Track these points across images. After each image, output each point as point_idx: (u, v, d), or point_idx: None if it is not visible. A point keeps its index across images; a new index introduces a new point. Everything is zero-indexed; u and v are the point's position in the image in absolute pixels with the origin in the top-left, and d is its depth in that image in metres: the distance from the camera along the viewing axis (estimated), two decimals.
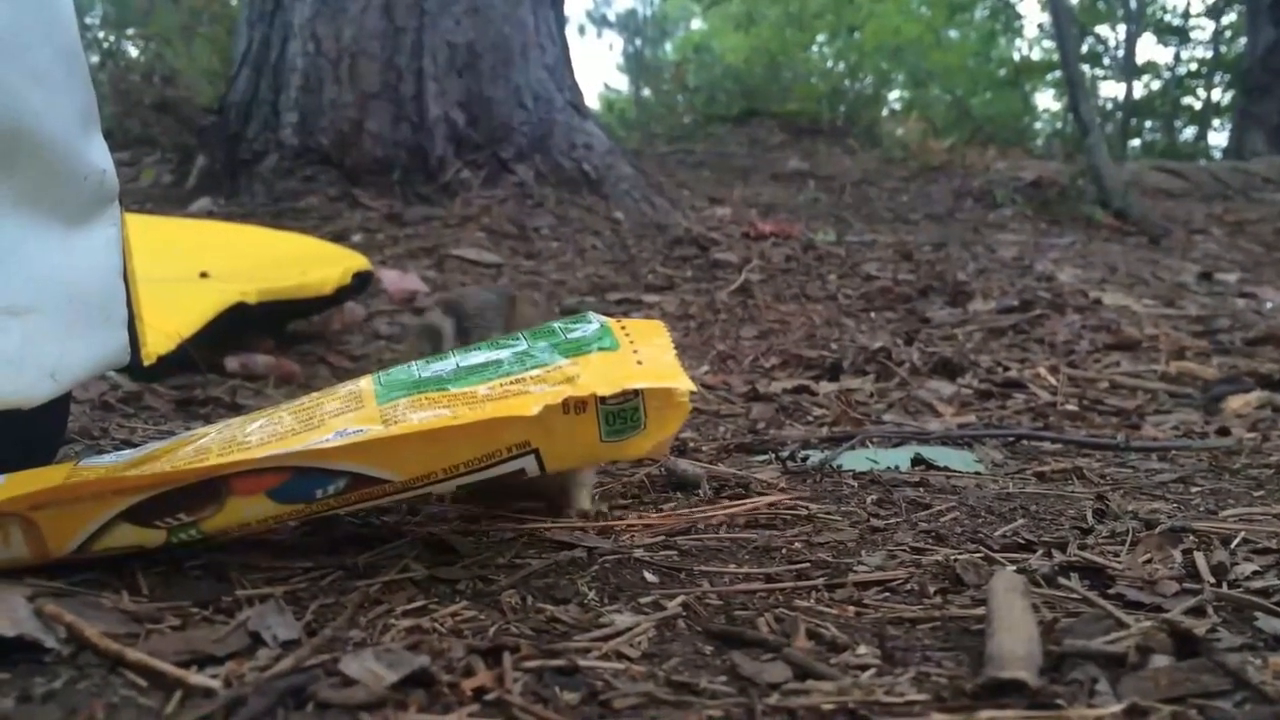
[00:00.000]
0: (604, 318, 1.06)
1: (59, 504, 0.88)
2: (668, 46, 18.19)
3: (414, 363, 1.03)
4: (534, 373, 0.97)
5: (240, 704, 0.66)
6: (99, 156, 1.10)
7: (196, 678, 0.70)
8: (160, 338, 2.07)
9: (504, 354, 1.01)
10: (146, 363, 1.89)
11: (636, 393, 0.96)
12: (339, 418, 0.93)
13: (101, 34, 7.78)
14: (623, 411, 0.97)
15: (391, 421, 0.92)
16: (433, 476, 0.95)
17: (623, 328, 1.04)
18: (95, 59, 6.69)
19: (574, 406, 0.94)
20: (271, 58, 4.72)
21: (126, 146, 5.11)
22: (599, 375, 0.96)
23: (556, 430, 0.95)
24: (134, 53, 7.60)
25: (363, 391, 0.98)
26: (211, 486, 0.90)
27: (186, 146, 4.92)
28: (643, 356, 1.00)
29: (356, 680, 0.71)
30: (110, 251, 1.13)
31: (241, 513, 0.92)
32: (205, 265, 2.60)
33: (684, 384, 0.97)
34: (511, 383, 0.96)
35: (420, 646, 0.78)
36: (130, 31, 7.86)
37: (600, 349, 1.00)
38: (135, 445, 1.51)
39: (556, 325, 1.06)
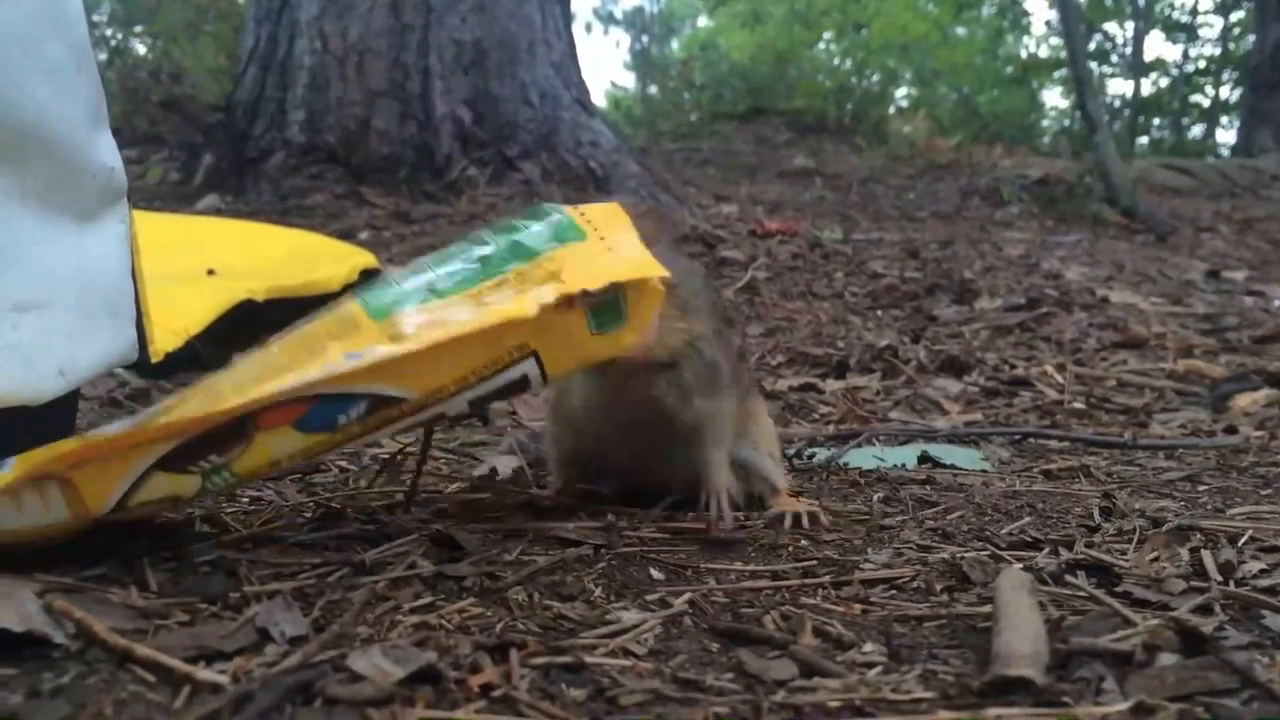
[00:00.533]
0: (562, 208, 1.07)
1: (94, 461, 0.88)
2: (674, 44, 18.18)
3: (390, 278, 1.03)
4: (514, 270, 0.99)
5: (248, 699, 0.67)
6: (108, 154, 1.10)
7: (204, 673, 0.71)
8: (168, 335, 2.07)
9: (477, 255, 1.01)
10: (154, 360, 1.89)
11: (618, 285, 0.99)
12: (339, 341, 0.94)
13: (109, 31, 7.80)
14: (606, 304, 1.00)
15: (399, 337, 0.93)
16: (444, 391, 0.96)
17: (583, 214, 1.05)
18: (103, 57, 6.71)
19: (562, 304, 0.97)
20: (278, 55, 4.73)
21: (134, 144, 5.12)
22: (579, 269, 0.99)
23: (551, 329, 0.97)
24: (141, 50, 7.62)
25: (353, 314, 0.97)
26: (238, 424, 0.91)
27: (193, 144, 4.93)
28: (610, 243, 1.03)
29: (364, 676, 0.71)
30: (119, 248, 1.13)
31: (269, 448, 0.93)
32: (212, 263, 2.61)
33: (659, 272, 1.01)
34: (496, 284, 0.98)
35: (427, 643, 0.78)
36: (138, 29, 7.88)
37: (570, 240, 1.02)
38: None
39: (517, 222, 1.06)
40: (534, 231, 1.03)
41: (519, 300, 0.96)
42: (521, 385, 1.00)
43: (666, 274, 1.02)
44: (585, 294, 0.97)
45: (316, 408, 0.93)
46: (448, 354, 0.94)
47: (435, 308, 0.96)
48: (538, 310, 0.95)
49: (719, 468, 1.19)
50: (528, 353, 0.98)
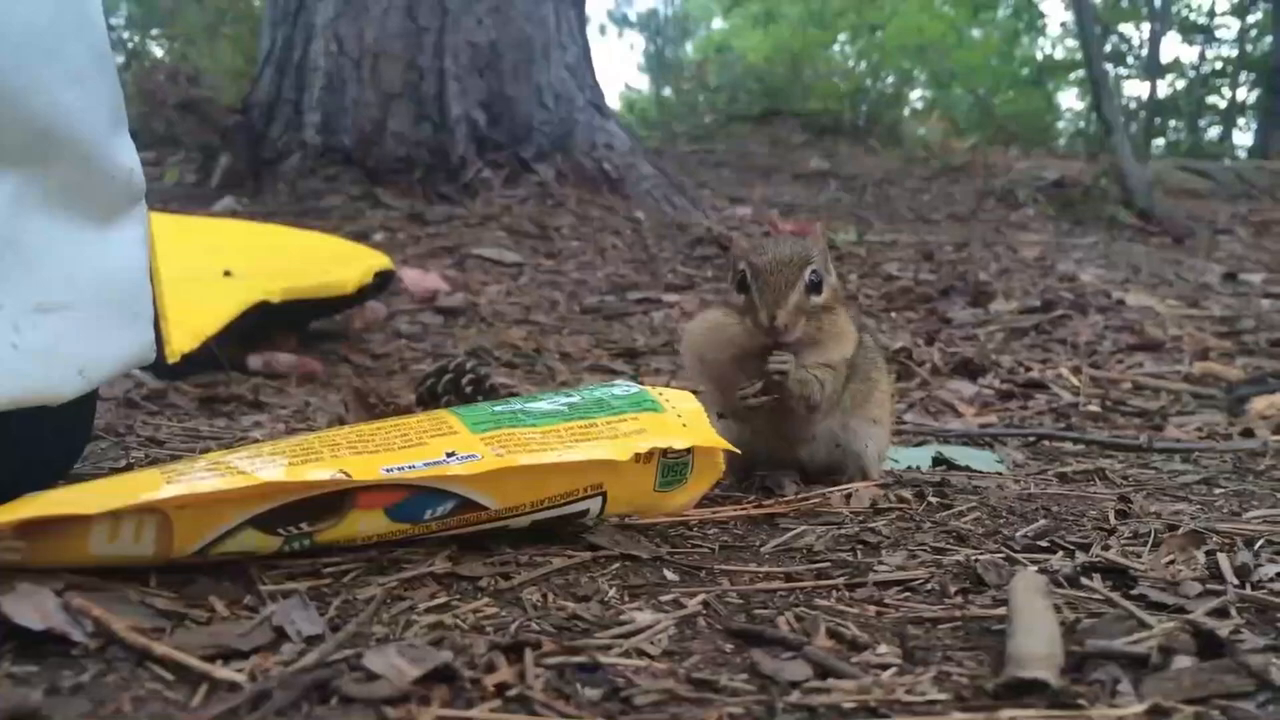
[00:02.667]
0: (637, 383, 1.21)
1: (200, 505, 0.89)
2: (689, 46, 18.18)
3: (479, 404, 1.14)
4: (604, 419, 1.10)
5: (265, 698, 0.67)
6: (127, 155, 1.11)
7: (222, 671, 0.71)
8: (185, 336, 2.09)
9: (564, 401, 1.13)
10: (171, 360, 1.92)
11: (690, 450, 1.12)
12: (437, 439, 1.01)
13: (127, 34, 7.84)
14: (677, 465, 1.12)
15: (501, 450, 1.01)
16: (521, 508, 1.03)
17: (660, 393, 1.17)
18: (121, 59, 6.74)
19: (644, 456, 1.08)
20: (295, 58, 4.75)
21: (151, 146, 5.15)
22: (660, 430, 1.11)
23: (624, 475, 1.07)
24: (159, 53, 7.67)
25: (448, 420, 1.05)
26: (339, 498, 0.94)
27: (210, 146, 4.96)
28: (685, 418, 1.14)
29: (380, 675, 0.71)
30: (137, 250, 1.14)
31: (357, 527, 0.97)
32: (229, 264, 2.62)
33: (725, 445, 1.15)
34: (587, 426, 1.08)
35: (443, 642, 0.78)
36: (155, 32, 7.93)
37: (650, 409, 1.13)
38: (161, 443, 1.52)
39: (597, 387, 1.19)
40: (616, 394, 1.16)
41: (614, 444, 1.06)
42: (579, 515, 1.08)
43: (736, 450, 1.16)
44: (667, 451, 1.09)
45: (411, 499, 0.98)
46: (539, 476, 1.02)
47: (530, 434, 1.05)
48: (630, 457, 1.06)
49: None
50: (599, 491, 1.07)
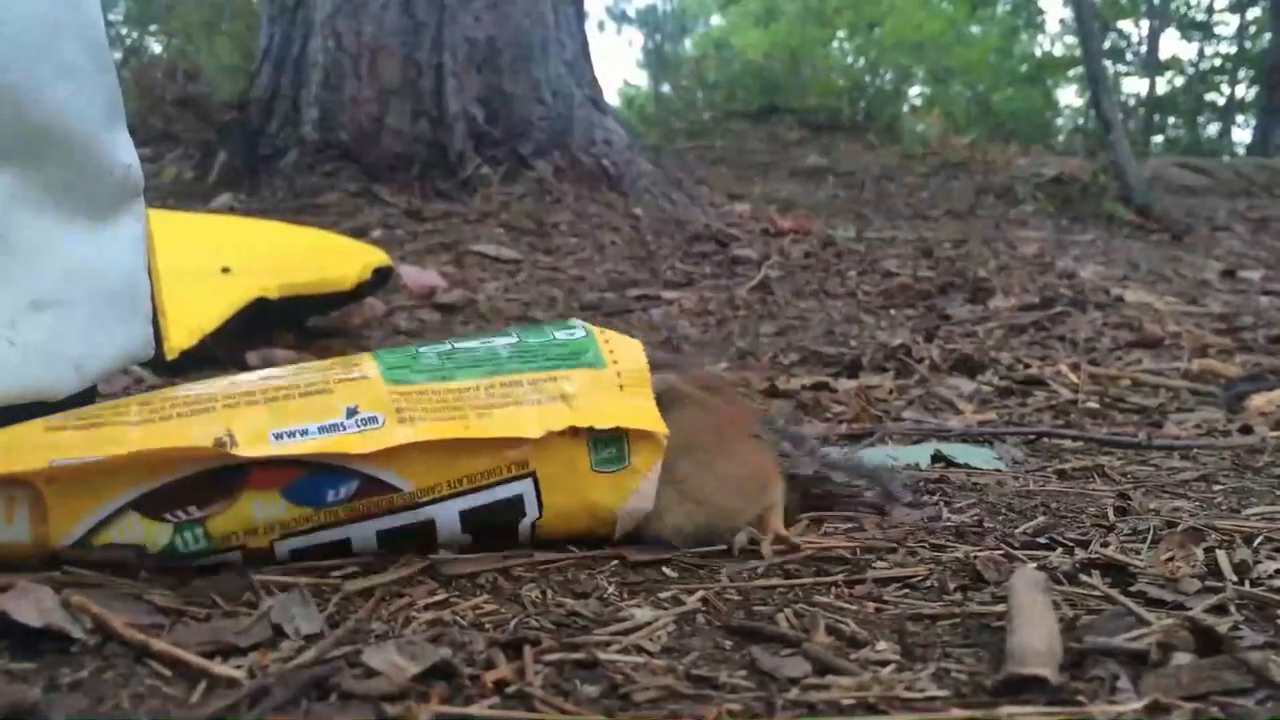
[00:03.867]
0: (589, 326, 1.07)
1: (66, 481, 0.84)
2: (687, 42, 18.19)
3: (412, 345, 1.04)
4: (529, 375, 0.98)
5: (264, 694, 0.67)
6: (124, 151, 1.11)
7: (221, 668, 0.71)
8: (182, 332, 2.08)
9: (497, 343, 1.02)
10: (169, 357, 1.91)
11: (618, 429, 0.98)
12: (345, 384, 0.92)
13: (124, 30, 7.83)
14: (610, 444, 0.99)
15: (406, 417, 0.91)
16: (438, 490, 0.94)
17: (606, 341, 1.05)
18: (118, 55, 6.74)
19: (568, 434, 0.96)
20: (293, 54, 4.74)
21: (149, 142, 5.14)
22: (590, 399, 0.98)
23: (552, 452, 0.96)
24: (157, 49, 7.66)
25: (364, 364, 0.97)
26: (228, 475, 0.88)
27: (208, 142, 4.95)
28: (624, 380, 1.01)
29: (379, 671, 0.71)
30: (135, 246, 1.14)
31: (251, 512, 0.89)
32: (227, 260, 2.62)
33: (661, 428, 1.00)
34: (510, 384, 0.97)
35: (442, 639, 0.78)
36: (153, 28, 7.92)
37: (588, 365, 1.01)
38: None
39: (545, 325, 1.07)
40: (556, 339, 1.03)
41: (527, 416, 0.95)
42: (516, 511, 0.98)
43: (666, 430, 1.01)
44: (590, 429, 0.97)
45: (308, 478, 0.90)
46: (446, 450, 0.93)
47: (444, 391, 0.95)
48: (543, 434, 0.94)
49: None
50: (527, 472, 0.96)
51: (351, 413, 0.90)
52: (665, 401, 1.07)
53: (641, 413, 1.00)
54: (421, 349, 1.01)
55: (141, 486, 0.86)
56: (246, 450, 0.87)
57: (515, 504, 0.98)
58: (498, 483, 0.96)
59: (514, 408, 0.95)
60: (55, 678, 0.69)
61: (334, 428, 0.89)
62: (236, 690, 0.68)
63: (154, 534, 0.88)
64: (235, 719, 0.65)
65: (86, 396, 1.15)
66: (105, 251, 1.09)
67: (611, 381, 1.01)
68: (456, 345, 1.01)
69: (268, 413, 0.90)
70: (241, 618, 0.81)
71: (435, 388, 0.95)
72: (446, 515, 0.96)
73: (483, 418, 0.94)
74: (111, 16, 7.76)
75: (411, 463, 0.92)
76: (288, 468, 0.89)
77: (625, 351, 1.04)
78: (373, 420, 0.90)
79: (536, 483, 0.97)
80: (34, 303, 0.99)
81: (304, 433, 0.88)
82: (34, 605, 0.75)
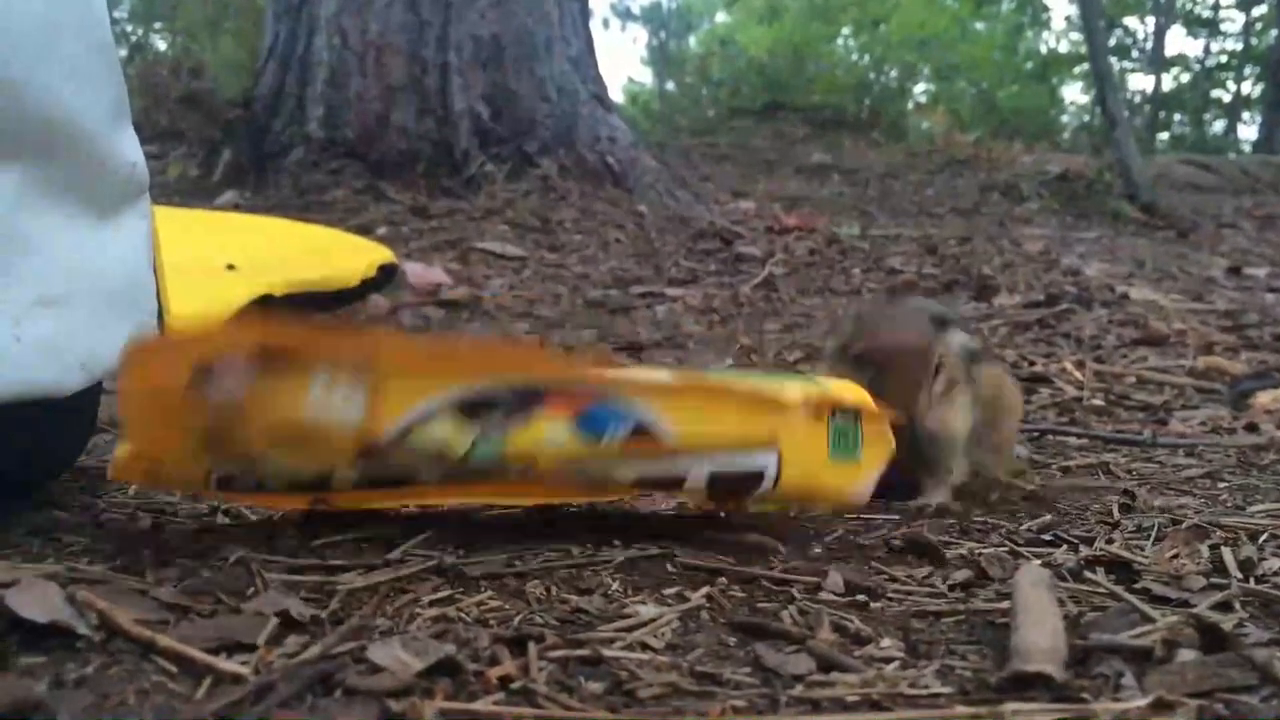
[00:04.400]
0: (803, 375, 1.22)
1: (409, 371, 0.93)
2: (692, 40, 18.17)
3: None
4: (779, 378, 1.11)
5: (269, 690, 0.67)
6: (130, 149, 1.11)
7: (226, 664, 0.71)
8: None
9: (750, 372, 1.20)
10: None
11: (857, 413, 1.06)
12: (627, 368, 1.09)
13: (130, 27, 7.84)
14: (845, 429, 1.06)
15: (680, 377, 1.04)
16: (696, 446, 1.01)
17: (825, 381, 1.14)
18: (123, 52, 6.74)
19: (814, 411, 1.03)
20: (298, 51, 4.74)
21: (154, 140, 5.14)
22: (831, 393, 1.07)
23: (797, 433, 1.03)
24: (162, 46, 7.67)
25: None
26: (531, 393, 0.96)
27: (213, 140, 4.95)
28: (852, 392, 1.10)
29: (384, 667, 0.71)
30: (140, 244, 1.14)
31: (542, 434, 0.96)
32: (232, 258, 2.62)
33: (895, 419, 1.10)
34: (763, 379, 1.10)
35: (446, 635, 0.78)
36: (158, 25, 7.93)
37: (817, 385, 1.10)
38: None
39: (766, 373, 1.25)
40: (790, 374, 1.20)
41: (783, 386, 1.04)
42: (756, 480, 1.04)
43: (900, 421, 1.12)
44: (836, 408, 1.05)
45: (596, 408, 0.97)
46: (712, 405, 1.01)
47: (710, 375, 1.11)
48: (800, 399, 1.02)
49: None
50: (774, 447, 1.02)
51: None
52: (978, 357, 1.32)
53: (874, 409, 1.09)
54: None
55: (460, 391, 0.94)
56: (554, 373, 0.98)
57: (756, 476, 1.04)
58: (748, 451, 1.03)
59: (770, 383, 1.06)
60: (61, 674, 0.69)
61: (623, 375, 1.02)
62: (242, 686, 0.68)
63: (460, 438, 0.95)
64: (240, 715, 0.65)
65: (92, 394, 1.15)
66: (110, 249, 1.09)
67: (843, 390, 1.10)
68: (710, 367, 1.18)
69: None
70: (247, 613, 0.81)
71: (704, 373, 1.12)
72: (697, 473, 1.03)
73: (743, 381, 1.05)
74: (116, 14, 7.77)
75: (679, 410, 0.99)
76: (579, 398, 0.97)
77: (845, 388, 1.12)
78: (655, 374, 1.03)
79: (780, 459, 1.03)
80: (40, 299, 0.99)
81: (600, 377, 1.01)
82: (39, 601, 0.76)
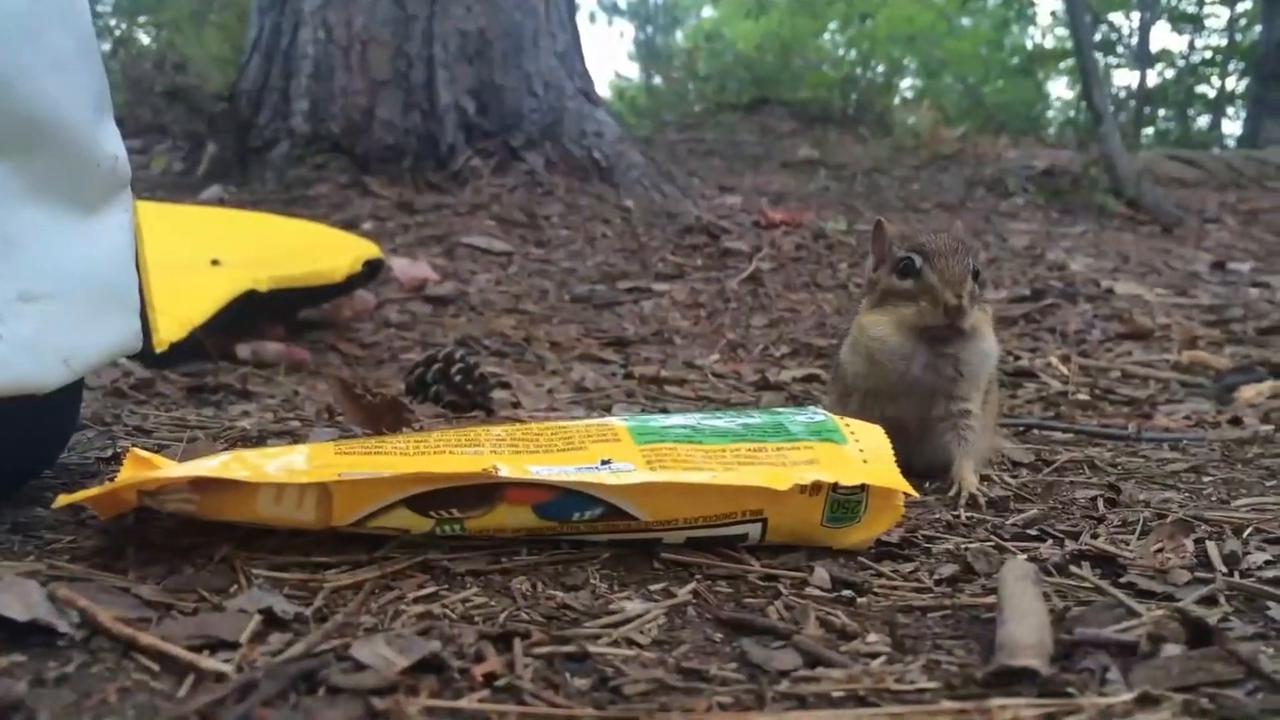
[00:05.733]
0: (830, 414, 1.14)
1: (358, 484, 0.94)
2: (679, 34, 18.14)
3: (655, 417, 1.12)
4: (776, 445, 1.06)
5: (252, 688, 0.67)
6: (111, 143, 1.10)
7: (209, 662, 0.71)
8: (172, 325, 2.08)
9: (741, 422, 1.10)
10: (158, 350, 1.91)
11: (864, 487, 1.03)
12: (598, 444, 1.02)
13: (113, 21, 7.80)
14: (848, 502, 1.04)
15: (657, 465, 1.00)
16: (674, 523, 1.01)
17: (847, 424, 1.11)
18: (107, 46, 6.71)
19: (811, 488, 1.01)
20: (282, 45, 4.72)
21: (138, 134, 5.11)
22: (835, 464, 1.04)
23: (787, 506, 1.02)
24: (145, 40, 7.62)
25: (615, 429, 1.06)
26: (488, 490, 0.96)
27: (197, 134, 4.93)
28: (867, 454, 1.07)
29: (368, 665, 0.71)
30: (123, 238, 1.13)
31: (505, 519, 0.98)
32: (216, 253, 2.61)
33: (905, 488, 1.05)
34: (756, 449, 1.05)
35: (431, 632, 0.78)
36: (142, 19, 7.88)
37: (831, 440, 1.08)
38: (148, 432, 1.52)
39: (782, 411, 1.15)
40: (798, 420, 1.11)
41: (775, 471, 1.01)
42: (738, 538, 1.04)
43: (915, 493, 1.07)
44: (836, 487, 1.02)
45: (559, 499, 0.98)
46: (691, 495, 1.00)
47: (693, 451, 1.03)
48: (790, 488, 0.99)
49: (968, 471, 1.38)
50: (759, 517, 1.03)
51: (605, 462, 0.99)
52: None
53: (887, 477, 1.05)
54: (670, 422, 1.09)
55: (415, 490, 0.96)
56: (510, 476, 0.96)
57: (738, 536, 1.04)
58: (730, 523, 1.03)
59: (756, 467, 1.02)
60: (42, 672, 0.69)
61: (590, 469, 0.98)
62: (224, 684, 0.68)
63: (418, 524, 0.97)
64: (223, 714, 0.65)
65: (74, 390, 1.15)
66: (93, 243, 1.08)
67: (855, 455, 1.07)
68: (702, 422, 1.09)
69: (531, 458, 0.99)
70: (230, 611, 0.81)
71: (684, 447, 1.04)
72: (674, 537, 1.03)
73: (728, 471, 1.01)
74: (100, 7, 7.72)
75: (653, 501, 0.99)
76: (541, 489, 0.98)
77: (867, 433, 1.11)
78: (625, 467, 0.99)
79: (765, 525, 1.04)
80: (22, 295, 0.98)
81: (563, 471, 0.97)
82: (20, 599, 0.75)
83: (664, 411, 1.76)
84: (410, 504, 0.95)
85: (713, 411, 1.15)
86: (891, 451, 1.08)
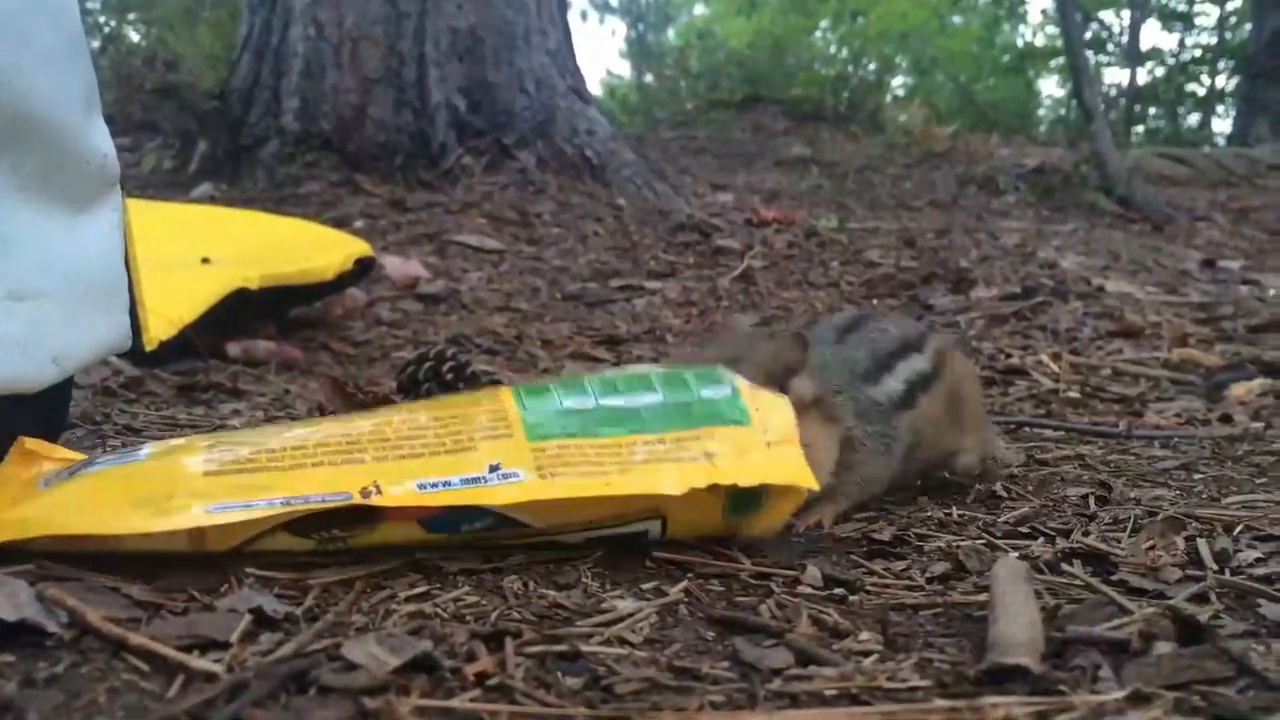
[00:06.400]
0: (734, 379, 1.07)
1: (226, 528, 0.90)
2: (670, 32, 18.13)
3: (555, 389, 1.05)
4: (675, 434, 1.00)
5: (242, 688, 0.66)
6: (101, 140, 1.10)
7: (199, 662, 0.70)
8: (162, 323, 2.07)
9: (642, 403, 1.03)
10: (149, 348, 1.89)
11: (767, 486, 1.00)
12: (489, 442, 0.97)
13: (103, 18, 7.77)
14: (748, 495, 1.01)
15: (547, 473, 0.95)
16: (568, 529, 0.99)
17: (752, 398, 1.05)
18: (96, 44, 6.67)
19: (706, 488, 0.98)
20: (273, 43, 4.70)
21: (128, 132, 5.09)
22: (734, 456, 1.00)
23: (687, 503, 0.98)
24: (135, 37, 7.59)
25: (509, 418, 1.00)
26: (369, 513, 0.93)
27: (188, 132, 4.91)
28: (770, 434, 1.03)
29: (359, 665, 0.71)
30: (112, 236, 1.12)
31: (390, 534, 0.95)
32: (207, 251, 2.60)
33: (809, 482, 1.01)
34: (653, 441, 1.00)
35: (423, 631, 0.78)
36: (132, 16, 7.85)
37: (734, 422, 1.02)
38: (138, 431, 1.51)
39: (689, 376, 1.07)
40: (702, 398, 1.04)
41: (668, 473, 0.97)
42: (638, 536, 1.02)
43: (816, 485, 1.02)
44: (734, 485, 0.98)
45: (445, 514, 0.95)
46: (583, 503, 0.96)
47: (587, 447, 0.98)
48: (685, 491, 0.96)
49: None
50: (658, 515, 1.01)
51: (494, 469, 0.95)
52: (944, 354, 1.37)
53: (787, 468, 1.01)
54: (568, 400, 1.03)
55: (292, 517, 0.91)
56: (390, 501, 0.91)
57: (639, 535, 1.02)
58: (626, 523, 1.01)
59: (656, 465, 0.98)
60: (30, 672, 0.68)
61: (476, 480, 0.94)
62: (215, 684, 0.67)
63: (300, 544, 0.94)
64: (213, 714, 0.64)
65: (64, 389, 1.14)
66: (83, 242, 1.08)
67: (757, 438, 1.02)
68: (600, 401, 1.03)
69: (415, 466, 0.94)
70: (220, 611, 0.81)
71: (578, 443, 0.99)
72: (571, 538, 1.01)
73: (625, 473, 0.97)
74: (89, 4, 7.70)
75: (545, 510, 0.96)
76: (425, 509, 0.94)
77: (772, 407, 1.05)
78: (514, 475, 0.94)
79: (665, 523, 1.01)
80: (11, 293, 0.98)
81: (447, 484, 0.93)
82: (8, 599, 0.75)
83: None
84: (290, 528, 0.92)
85: (620, 380, 1.06)
86: (796, 428, 1.04)
